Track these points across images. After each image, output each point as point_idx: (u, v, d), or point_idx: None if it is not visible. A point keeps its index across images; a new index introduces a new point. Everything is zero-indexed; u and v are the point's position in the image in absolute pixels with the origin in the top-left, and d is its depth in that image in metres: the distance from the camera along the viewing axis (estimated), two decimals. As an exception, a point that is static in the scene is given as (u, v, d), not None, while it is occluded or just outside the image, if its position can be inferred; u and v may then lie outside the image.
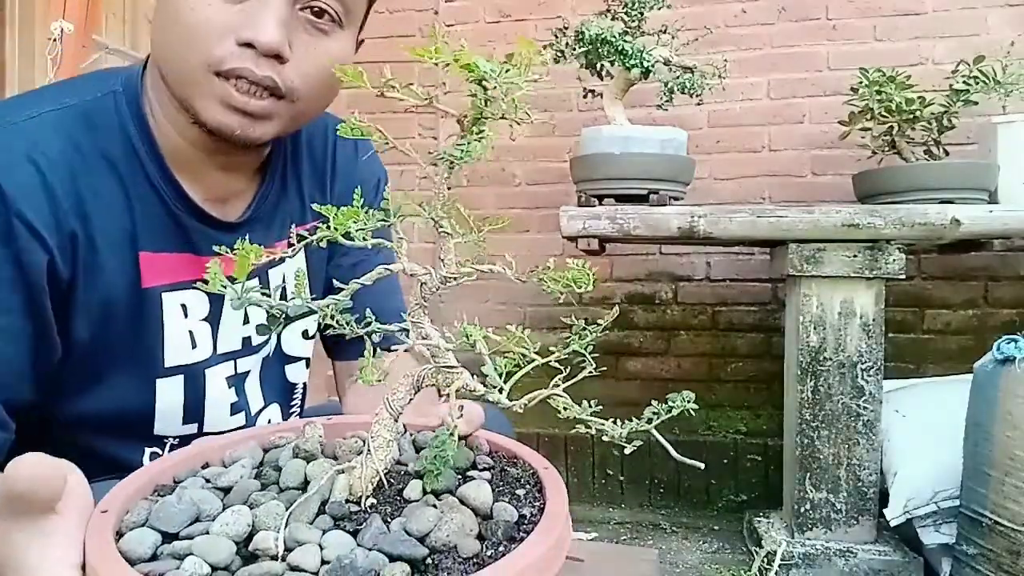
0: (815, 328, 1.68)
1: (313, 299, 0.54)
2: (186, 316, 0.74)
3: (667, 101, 1.84)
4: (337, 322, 0.52)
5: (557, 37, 1.86)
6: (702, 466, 0.53)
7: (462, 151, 0.51)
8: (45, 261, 0.63)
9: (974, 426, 1.43)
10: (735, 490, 2.24)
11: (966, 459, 1.45)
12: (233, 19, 0.63)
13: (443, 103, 0.49)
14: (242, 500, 0.45)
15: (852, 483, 1.66)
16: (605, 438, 0.48)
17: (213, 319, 0.77)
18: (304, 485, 0.47)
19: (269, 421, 0.86)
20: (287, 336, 0.86)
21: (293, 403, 0.89)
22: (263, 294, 0.51)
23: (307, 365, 0.90)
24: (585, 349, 0.51)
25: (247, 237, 0.59)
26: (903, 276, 1.65)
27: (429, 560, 0.41)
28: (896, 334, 2.19)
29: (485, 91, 0.46)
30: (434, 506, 0.45)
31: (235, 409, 0.82)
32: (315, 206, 0.54)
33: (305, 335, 0.88)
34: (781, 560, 1.61)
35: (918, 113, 1.81)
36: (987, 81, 1.76)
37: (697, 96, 1.84)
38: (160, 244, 0.71)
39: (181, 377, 0.75)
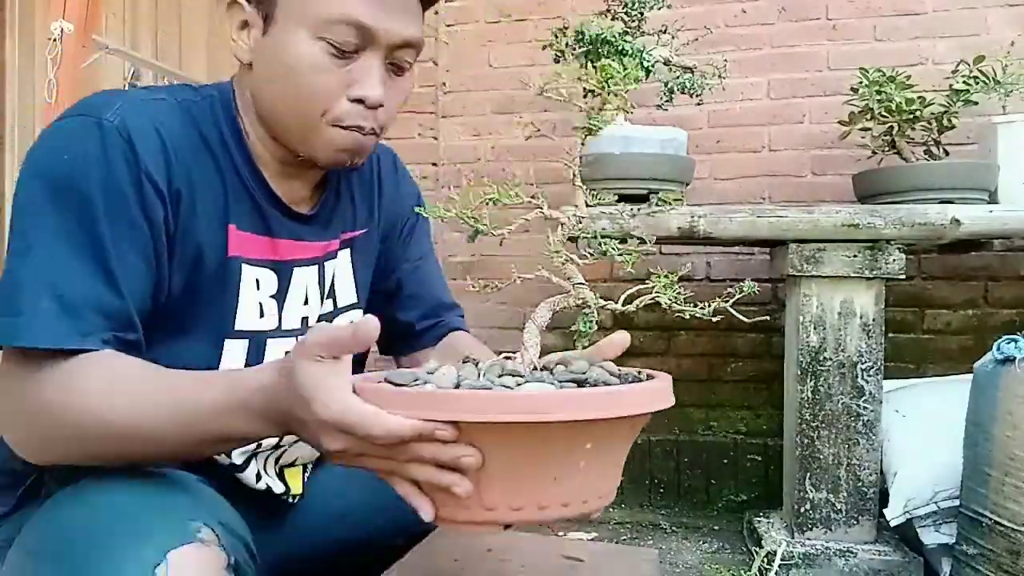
0: (815, 328, 1.68)
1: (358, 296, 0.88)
2: (258, 289, 0.85)
3: (667, 101, 1.84)
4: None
5: (557, 37, 1.86)
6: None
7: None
8: (162, 215, 0.75)
9: (974, 426, 1.43)
10: (735, 490, 2.24)
11: (966, 459, 1.45)
12: (344, 79, 0.77)
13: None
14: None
15: (852, 483, 1.66)
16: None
17: (280, 297, 0.87)
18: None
19: None
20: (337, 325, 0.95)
21: None
22: (319, 280, 0.87)
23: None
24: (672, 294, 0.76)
25: (313, 230, 0.88)
26: (903, 276, 1.65)
27: (589, 384, 0.63)
28: (896, 334, 2.19)
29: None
30: (582, 363, 0.67)
31: None
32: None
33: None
34: (781, 560, 1.61)
35: (918, 113, 1.81)
36: (987, 81, 1.77)
37: (697, 96, 1.84)
38: (245, 224, 0.83)
39: (246, 342, 0.85)
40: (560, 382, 0.62)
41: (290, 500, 0.92)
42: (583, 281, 0.71)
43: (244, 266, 0.83)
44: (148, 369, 0.71)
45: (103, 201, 0.72)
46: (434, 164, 2.47)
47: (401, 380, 0.62)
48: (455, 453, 0.57)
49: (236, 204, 0.82)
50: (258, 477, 0.87)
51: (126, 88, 3.71)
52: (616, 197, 1.78)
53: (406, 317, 1.04)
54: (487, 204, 0.64)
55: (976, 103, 1.81)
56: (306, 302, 0.90)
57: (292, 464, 0.92)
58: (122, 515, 0.64)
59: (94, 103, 0.76)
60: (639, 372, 0.71)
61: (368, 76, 0.77)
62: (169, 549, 0.59)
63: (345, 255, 0.95)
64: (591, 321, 0.69)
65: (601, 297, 0.76)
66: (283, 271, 0.87)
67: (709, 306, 0.71)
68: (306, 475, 0.94)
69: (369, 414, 0.57)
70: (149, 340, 0.77)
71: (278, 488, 0.90)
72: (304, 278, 0.89)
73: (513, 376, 0.63)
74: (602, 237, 0.81)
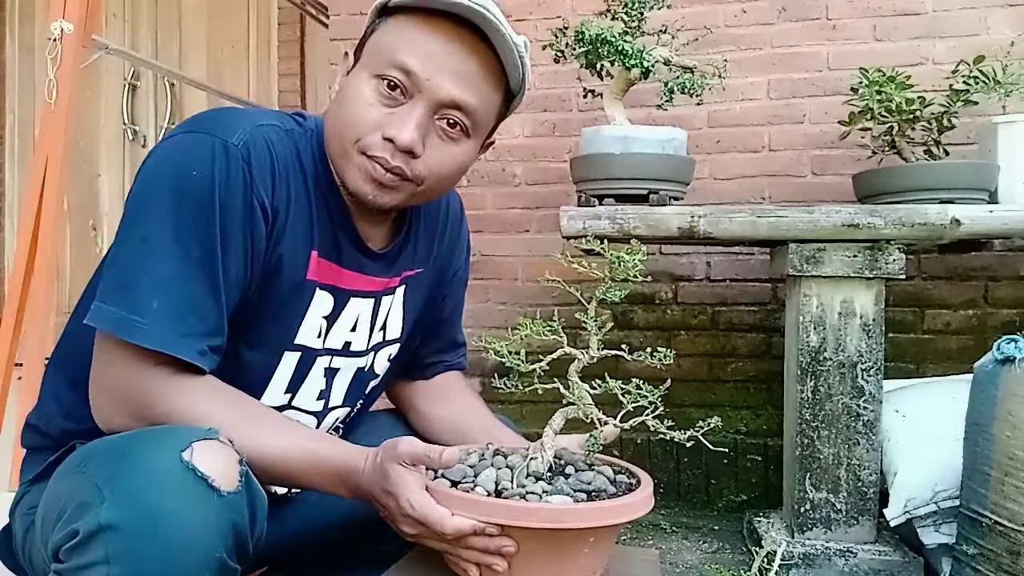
0: (815, 328, 1.68)
1: (403, 331, 1.07)
2: (318, 310, 0.93)
3: (667, 101, 1.84)
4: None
5: (557, 37, 1.86)
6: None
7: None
8: (263, 232, 0.84)
9: (974, 426, 1.43)
10: (735, 490, 2.24)
11: (966, 459, 1.45)
12: (384, 119, 0.84)
13: None
14: (484, 469, 0.86)
15: (852, 483, 1.66)
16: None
17: (331, 319, 0.95)
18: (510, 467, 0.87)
19: (336, 419, 1.05)
20: (379, 357, 1.05)
21: (358, 408, 1.07)
22: (373, 312, 1.00)
23: (381, 385, 1.12)
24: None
25: (379, 266, 0.98)
26: (903, 276, 1.65)
27: (594, 493, 0.83)
28: (896, 334, 2.19)
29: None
30: (588, 473, 0.88)
31: (320, 396, 0.99)
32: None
33: (388, 358, 1.08)
34: (781, 560, 1.61)
35: (918, 113, 1.81)
36: (987, 81, 1.76)
37: (697, 96, 1.84)
38: (325, 251, 0.91)
39: (299, 354, 0.93)
40: (574, 491, 0.83)
41: (290, 494, 1.00)
42: (592, 402, 0.88)
43: (318, 290, 0.92)
44: (253, 405, 0.85)
45: (220, 217, 0.80)
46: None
47: (454, 478, 0.83)
48: (499, 544, 0.77)
49: (320, 231, 0.90)
50: None
51: (125, 91, 3.72)
52: (616, 197, 1.78)
53: (420, 350, 1.14)
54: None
55: (976, 103, 1.81)
56: (354, 328, 0.99)
57: None
58: (151, 431, 0.75)
59: (220, 122, 0.84)
60: (629, 474, 0.92)
61: (404, 120, 0.83)
62: (193, 440, 0.69)
63: (401, 291, 1.04)
64: (597, 444, 0.89)
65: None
66: (340, 297, 0.94)
67: (684, 433, 0.88)
68: None
69: (441, 515, 0.76)
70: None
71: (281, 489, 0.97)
72: (358, 308, 0.97)
73: (538, 480, 0.84)
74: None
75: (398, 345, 1.07)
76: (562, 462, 0.91)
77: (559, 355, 0.92)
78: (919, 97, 1.80)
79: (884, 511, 1.65)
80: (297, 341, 0.92)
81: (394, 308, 1.03)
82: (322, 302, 0.93)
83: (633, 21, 1.80)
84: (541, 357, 0.91)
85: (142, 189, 0.81)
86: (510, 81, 0.89)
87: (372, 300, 0.99)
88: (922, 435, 1.67)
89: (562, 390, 0.91)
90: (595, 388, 0.89)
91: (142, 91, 3.81)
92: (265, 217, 0.84)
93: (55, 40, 1.89)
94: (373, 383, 1.08)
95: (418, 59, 0.82)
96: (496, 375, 1.00)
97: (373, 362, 1.05)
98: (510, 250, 2.47)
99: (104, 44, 2.07)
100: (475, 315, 2.48)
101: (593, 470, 0.90)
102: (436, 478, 0.85)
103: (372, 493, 0.80)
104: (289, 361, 0.93)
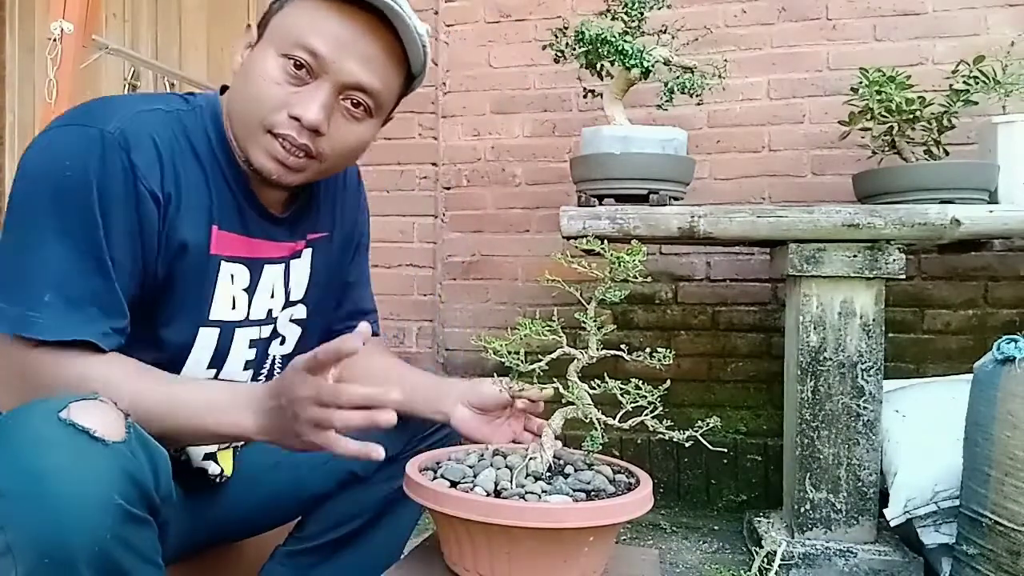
0: (815, 328, 1.68)
1: (306, 292, 1.05)
2: (232, 283, 0.94)
3: (667, 101, 1.84)
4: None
5: (557, 37, 1.86)
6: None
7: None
8: (154, 216, 0.84)
9: (974, 426, 1.43)
10: (735, 490, 2.24)
11: (966, 459, 1.45)
12: (290, 98, 0.86)
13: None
14: (483, 470, 0.87)
15: (852, 483, 1.66)
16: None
17: (251, 290, 0.96)
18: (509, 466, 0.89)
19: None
20: (282, 318, 1.05)
21: (262, 372, 1.05)
22: (285, 276, 1.01)
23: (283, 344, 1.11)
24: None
25: (284, 231, 0.99)
26: (903, 276, 1.65)
27: (593, 493, 0.84)
28: (896, 334, 2.19)
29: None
30: (587, 473, 0.89)
31: (247, 366, 1.00)
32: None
33: (291, 319, 1.07)
34: (781, 560, 1.61)
35: (918, 113, 1.81)
36: (987, 81, 1.76)
37: (697, 96, 1.84)
38: (226, 224, 0.92)
39: (218, 330, 0.94)
40: (573, 491, 0.83)
41: (220, 480, 1.02)
42: (591, 402, 0.89)
43: (223, 263, 0.92)
44: (154, 370, 0.84)
45: (100, 207, 0.80)
46: (434, 164, 2.47)
47: (453, 477, 0.84)
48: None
49: (220, 206, 0.91)
50: (205, 456, 0.99)
51: (125, 92, 3.72)
52: (616, 197, 1.78)
53: (332, 318, 1.14)
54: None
55: (976, 103, 1.81)
56: (272, 295, 1.00)
57: (227, 447, 1.03)
58: (28, 403, 0.73)
59: (96, 113, 0.84)
60: (628, 474, 0.92)
61: (311, 99, 0.86)
62: (71, 402, 0.68)
63: (307, 255, 1.05)
64: (597, 442, 0.89)
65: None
66: (254, 266, 0.96)
67: (684, 433, 0.88)
68: (236, 456, 1.05)
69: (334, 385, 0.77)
70: (132, 324, 0.85)
71: (214, 470, 1.00)
72: (273, 274, 0.99)
73: (537, 480, 0.85)
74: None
75: (303, 307, 1.06)
76: (561, 462, 0.91)
77: (559, 355, 0.92)
78: (919, 97, 1.79)
79: (884, 511, 1.65)
80: (212, 317, 0.93)
81: (300, 270, 1.04)
82: (234, 275, 0.94)
83: (633, 21, 1.80)
84: (541, 357, 0.91)
85: (21, 187, 0.82)
86: (412, 65, 0.92)
87: (282, 266, 1.00)
88: (922, 435, 1.67)
89: (561, 390, 0.91)
90: (594, 388, 0.89)
91: (142, 91, 3.81)
92: (156, 202, 0.84)
93: (55, 40, 1.89)
94: (281, 347, 1.07)
95: (326, 42, 0.85)
96: (496, 375, 1.00)
97: (277, 325, 1.05)
98: (510, 250, 2.48)
99: (104, 44, 2.07)
100: (475, 315, 2.48)
101: (592, 470, 0.90)
102: (436, 478, 0.85)
103: (270, 405, 0.80)
104: (207, 337, 0.93)
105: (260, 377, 1.03)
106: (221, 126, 0.92)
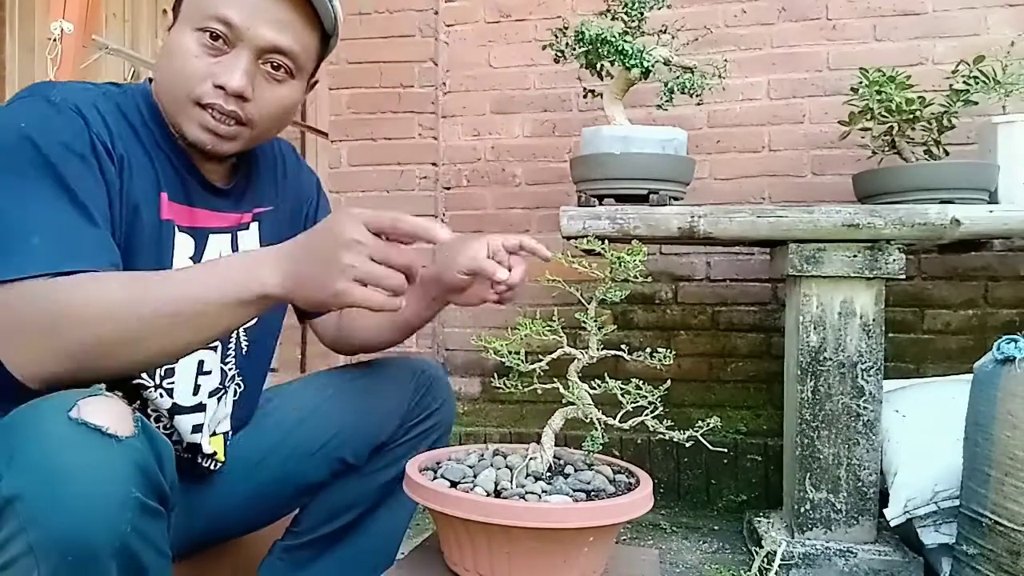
0: (815, 328, 1.68)
1: None
2: (184, 252, 0.95)
3: (667, 101, 1.84)
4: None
5: (557, 37, 1.86)
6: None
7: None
8: (113, 171, 0.86)
9: (974, 426, 1.42)
10: (735, 490, 2.24)
11: (966, 459, 1.44)
12: (213, 69, 0.89)
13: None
14: (483, 470, 0.88)
15: (852, 483, 1.66)
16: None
17: (195, 260, 0.97)
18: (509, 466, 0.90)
19: (234, 371, 1.06)
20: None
21: (229, 350, 1.05)
22: (232, 248, 1.01)
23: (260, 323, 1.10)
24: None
25: (228, 202, 1.00)
26: (903, 276, 1.65)
27: (593, 493, 0.85)
28: (896, 334, 2.19)
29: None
30: (587, 473, 0.90)
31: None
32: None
33: None
34: (781, 560, 1.61)
35: (918, 113, 1.81)
36: (987, 81, 1.76)
37: (697, 96, 1.84)
38: (173, 194, 0.94)
39: None
40: (573, 491, 0.84)
41: (214, 467, 1.03)
42: (591, 402, 0.90)
43: (177, 231, 0.94)
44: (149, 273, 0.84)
45: (63, 153, 0.81)
46: (434, 164, 2.47)
47: (454, 478, 0.85)
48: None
49: (165, 177, 0.93)
50: (193, 428, 0.99)
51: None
52: (616, 197, 1.78)
53: None
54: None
55: (976, 103, 1.81)
56: None
57: (215, 433, 1.03)
58: (34, 402, 0.73)
59: (36, 89, 0.87)
60: (628, 474, 0.93)
61: (232, 68, 0.89)
62: (78, 399, 0.68)
63: (255, 228, 1.07)
64: (597, 442, 0.89)
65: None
66: (199, 236, 0.97)
67: (684, 433, 0.88)
68: (227, 444, 1.06)
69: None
70: None
71: (207, 449, 1.00)
72: (218, 245, 1.00)
73: (537, 480, 0.86)
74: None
75: None
76: (561, 462, 0.92)
77: (559, 355, 0.92)
78: (919, 97, 1.79)
79: (884, 511, 1.65)
80: None
81: (250, 244, 1.05)
82: (184, 244, 0.95)
83: (633, 21, 1.80)
84: (541, 357, 0.91)
85: None
86: (324, 24, 0.95)
87: (229, 236, 1.01)
88: (922, 435, 1.67)
89: (562, 390, 0.92)
90: (595, 388, 0.89)
91: (142, 91, 3.82)
92: (110, 156, 0.86)
93: (55, 40, 1.89)
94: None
95: (237, 10, 0.88)
96: (496, 375, 1.00)
97: None
98: (510, 250, 2.47)
99: (104, 44, 2.07)
100: (475, 315, 2.48)
101: (592, 470, 0.90)
102: (436, 479, 0.86)
103: (301, 244, 0.80)
104: None
105: (228, 356, 1.03)
106: (153, 104, 0.94)
